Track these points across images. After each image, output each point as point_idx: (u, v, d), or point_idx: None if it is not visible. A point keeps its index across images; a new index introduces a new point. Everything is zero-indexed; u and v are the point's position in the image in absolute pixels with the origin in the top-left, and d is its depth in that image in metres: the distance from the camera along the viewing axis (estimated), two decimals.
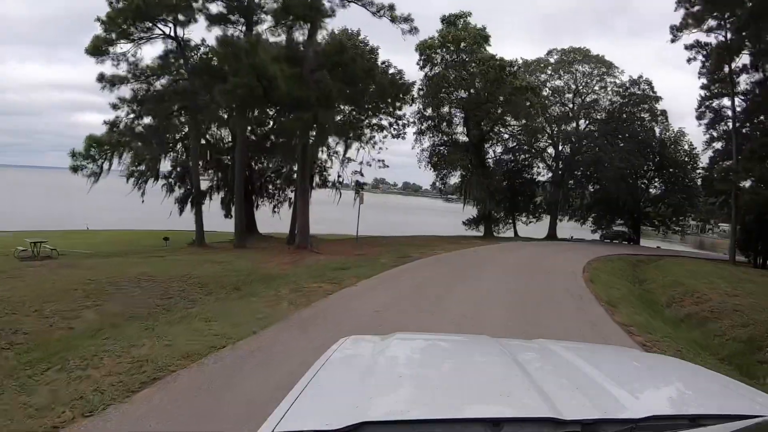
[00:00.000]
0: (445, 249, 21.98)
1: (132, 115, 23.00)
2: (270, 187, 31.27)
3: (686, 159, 42.06)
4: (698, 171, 40.60)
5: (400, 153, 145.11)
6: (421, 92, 33.31)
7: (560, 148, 41.50)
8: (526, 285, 12.73)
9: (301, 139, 18.65)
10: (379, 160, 32.19)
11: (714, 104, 31.76)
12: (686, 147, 42.35)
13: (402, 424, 1.11)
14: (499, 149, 42.29)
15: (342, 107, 24.47)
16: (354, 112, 26.56)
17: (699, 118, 31.97)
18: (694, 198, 41.91)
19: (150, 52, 52.60)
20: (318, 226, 28.31)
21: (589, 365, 1.57)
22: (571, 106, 41.97)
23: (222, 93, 18.32)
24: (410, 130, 34.21)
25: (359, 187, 30.95)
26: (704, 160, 40.35)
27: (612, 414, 1.16)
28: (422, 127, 34.04)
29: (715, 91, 30.09)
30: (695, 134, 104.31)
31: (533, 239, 38.07)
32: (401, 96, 27.48)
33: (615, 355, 2.33)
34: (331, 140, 27.34)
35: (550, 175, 42.47)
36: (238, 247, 22.52)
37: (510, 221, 42.71)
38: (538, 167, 43.35)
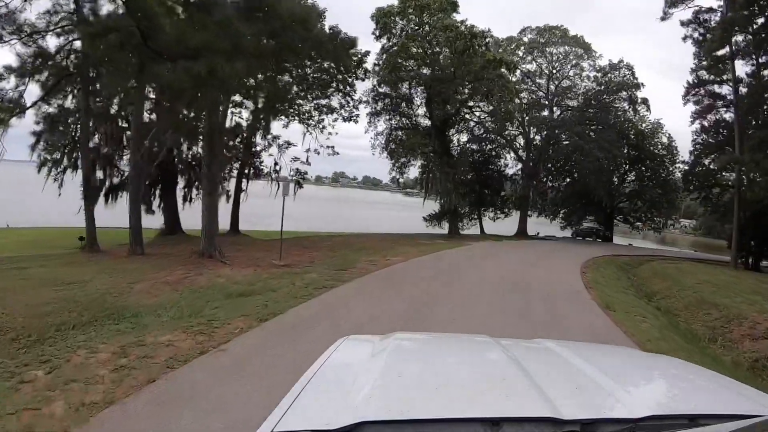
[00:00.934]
0: (402, 254, 17.29)
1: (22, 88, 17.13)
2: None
3: (664, 152, 39.06)
4: (678, 165, 37.68)
5: (361, 147, 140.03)
6: (377, 67, 28.36)
7: (531, 136, 37.41)
8: (526, 323, 8.10)
9: (199, 105, 13.25)
10: (328, 147, 27.24)
11: (705, 90, 28.43)
12: (664, 139, 39.38)
13: (401, 424, 1.10)
14: (464, 137, 38.09)
15: (278, 77, 19.34)
16: (291, 78, 21.36)
17: (697, 108, 28.37)
18: (671, 193, 39.03)
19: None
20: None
21: (588, 365, 1.58)
22: (544, 92, 38.10)
23: (88, 38, 12.80)
24: (365, 111, 29.30)
25: (299, 177, 25.96)
26: (683, 153, 37.87)
27: (611, 413, 1.17)
28: (377, 107, 29.09)
29: (711, 77, 26.56)
30: (673, 127, 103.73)
31: (502, 237, 34.09)
32: (350, 63, 22.53)
33: (614, 354, 2.32)
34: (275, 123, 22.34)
35: (519, 166, 38.53)
36: (134, 253, 16.94)
37: (475, 217, 38.56)
38: (506, 159, 39.36)
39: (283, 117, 25.02)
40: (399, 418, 1.12)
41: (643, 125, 38.80)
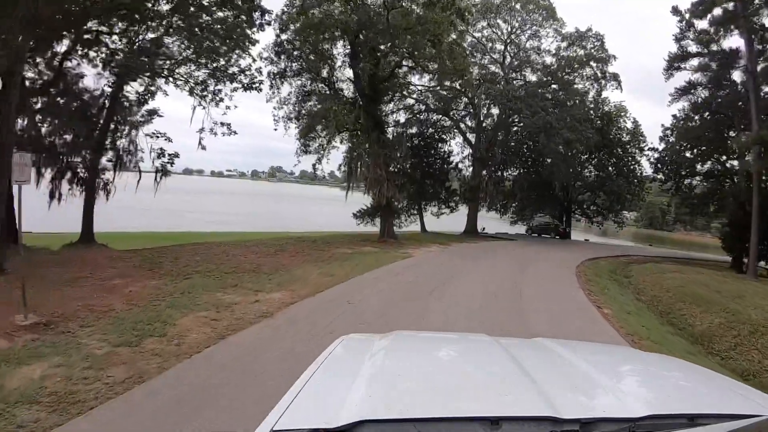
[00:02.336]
0: (293, 283, 10.33)
1: None
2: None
3: (628, 138, 34.13)
4: (646, 152, 32.80)
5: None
6: (284, 15, 20.60)
7: (485, 111, 30.89)
8: None
9: None
10: (223, 124, 19.29)
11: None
12: (629, 124, 34.37)
13: (401, 423, 1.10)
14: (402, 117, 31.10)
15: None
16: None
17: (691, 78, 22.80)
18: (637, 184, 34.31)
19: None
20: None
21: (588, 364, 1.58)
22: (499, 62, 31.76)
23: None
24: (269, 71, 21.35)
25: (164, 165, 18.08)
26: (652, 138, 33.36)
27: (610, 413, 1.16)
28: (281, 66, 21.19)
29: (714, 32, 21.02)
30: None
31: (449, 235, 27.61)
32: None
33: (614, 354, 2.33)
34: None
35: (467, 153, 32.07)
36: None
37: (415, 212, 31.84)
38: (451, 145, 32.84)
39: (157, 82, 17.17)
40: (398, 417, 1.11)
41: (607, 107, 33.61)
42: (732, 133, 26.70)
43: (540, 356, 1.80)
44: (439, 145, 32.58)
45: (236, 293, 9.12)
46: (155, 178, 18.52)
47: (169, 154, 18.35)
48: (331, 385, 1.42)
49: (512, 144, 33.85)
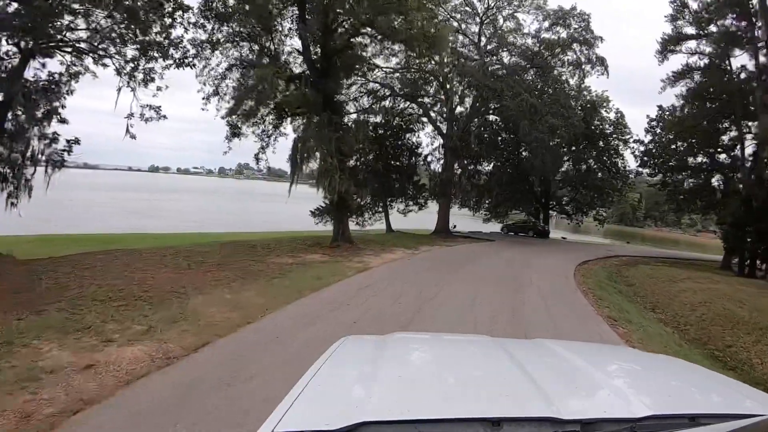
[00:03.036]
0: (167, 331, 6.63)
1: None
2: None
3: (612, 130, 31.54)
4: (631, 144, 30.24)
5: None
6: None
7: (456, 100, 27.53)
8: None
9: None
10: (152, 108, 15.53)
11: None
12: (611, 115, 31.73)
13: (402, 424, 1.10)
14: (366, 104, 27.46)
15: None
16: None
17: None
18: (621, 178, 31.80)
19: None
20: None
21: (588, 365, 1.58)
22: (474, 42, 28.44)
23: None
24: (199, 40, 17.30)
25: (55, 156, 14.16)
26: (636, 129, 31.04)
27: (611, 413, 1.15)
28: (211, 31, 17.05)
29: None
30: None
31: (418, 234, 24.21)
32: None
33: (614, 354, 2.31)
34: None
35: (439, 143, 28.71)
36: None
37: (380, 209, 28.35)
38: (420, 136, 29.53)
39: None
40: (399, 418, 1.11)
41: (590, 96, 30.90)
42: (727, 124, 24.35)
43: (541, 357, 1.77)
44: (407, 135, 29.16)
45: (76, 345, 5.69)
46: (45, 171, 14.42)
47: (68, 141, 14.23)
48: (331, 387, 1.39)
49: (487, 135, 30.75)
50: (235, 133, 17.39)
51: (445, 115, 27.39)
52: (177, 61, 16.05)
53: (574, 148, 30.84)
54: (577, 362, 1.61)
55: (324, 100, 16.79)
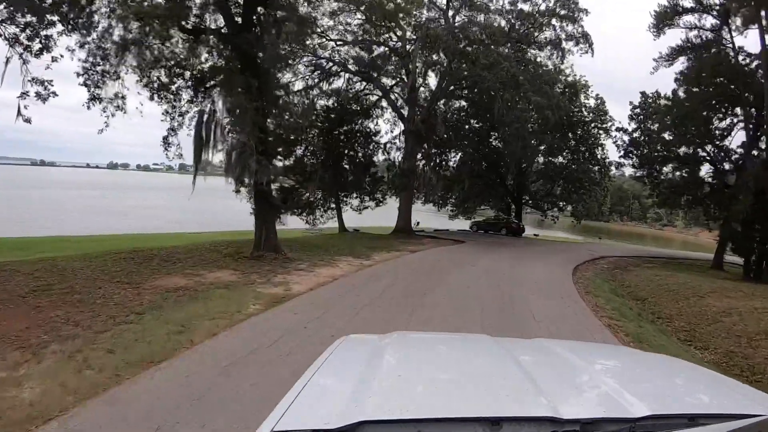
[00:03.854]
0: None
1: None
2: None
3: (592, 117, 28.33)
4: (614, 133, 27.08)
5: None
6: None
7: (420, 72, 23.41)
8: None
9: None
10: (42, 82, 10.85)
11: None
12: (591, 102, 28.52)
13: (401, 424, 1.08)
14: (314, 80, 23.13)
15: None
16: None
17: None
18: (604, 170, 28.70)
19: None
20: None
21: (588, 364, 1.60)
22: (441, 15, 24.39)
23: None
24: None
25: None
26: (618, 114, 28.02)
27: (611, 413, 1.14)
28: None
29: None
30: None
31: (375, 234, 20.24)
32: None
33: (614, 354, 2.31)
34: None
35: (400, 130, 24.64)
36: None
37: (332, 205, 24.20)
38: (378, 123, 25.39)
39: None
40: (399, 418, 1.10)
41: (569, 78, 27.55)
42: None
43: (540, 357, 1.78)
44: (363, 121, 24.99)
45: None
46: None
47: None
48: (331, 386, 1.41)
49: (454, 121, 26.91)
50: (95, 97, 12.44)
51: (406, 97, 23.26)
52: (70, 23, 11.39)
53: (551, 134, 27.44)
54: (577, 362, 1.61)
55: (243, 60, 12.36)
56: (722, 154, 23.54)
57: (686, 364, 1.96)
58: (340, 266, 11.89)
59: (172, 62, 12.20)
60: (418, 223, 30.80)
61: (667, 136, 23.60)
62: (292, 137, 12.83)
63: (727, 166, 23.52)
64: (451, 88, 24.57)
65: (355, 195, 25.19)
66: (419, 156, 24.30)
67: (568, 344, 2.06)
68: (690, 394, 1.52)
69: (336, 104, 24.11)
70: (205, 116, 12.16)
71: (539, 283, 11.58)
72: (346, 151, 24.35)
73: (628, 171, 28.52)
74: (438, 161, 23.75)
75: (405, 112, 24.21)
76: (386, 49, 23.13)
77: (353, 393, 1.24)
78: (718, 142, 23.46)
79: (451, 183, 28.29)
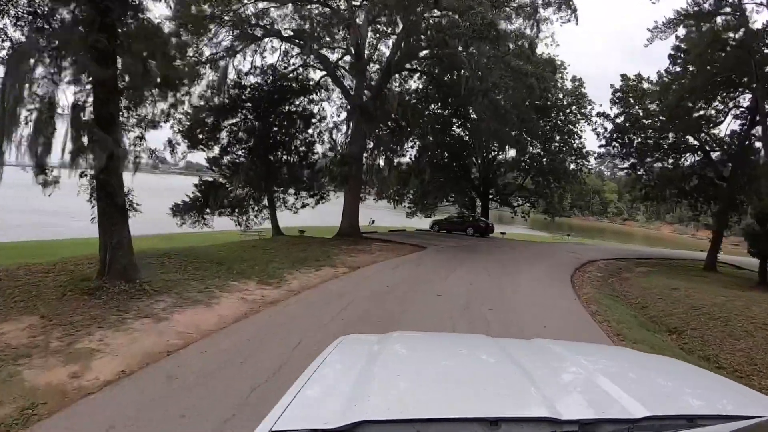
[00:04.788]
0: None
1: None
2: None
3: (570, 102, 24.82)
4: (596, 118, 23.64)
5: None
6: None
7: (369, 44, 19.00)
8: None
9: None
10: None
11: None
12: (567, 84, 25.02)
13: (400, 423, 1.08)
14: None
15: None
16: None
17: None
18: (580, 159, 25.27)
19: None
20: None
21: (587, 365, 1.57)
22: None
23: None
24: None
25: None
26: (599, 97, 24.77)
27: (610, 414, 1.14)
28: None
29: None
30: None
31: (317, 236, 16.95)
32: None
33: (613, 355, 2.28)
34: None
35: (346, 107, 20.13)
36: None
37: (263, 203, 19.58)
38: (324, 110, 20.81)
39: None
40: (398, 418, 1.10)
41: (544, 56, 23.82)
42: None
43: (539, 357, 1.75)
44: (303, 102, 20.42)
45: None
46: None
47: None
48: (330, 385, 1.39)
49: (412, 105, 22.66)
50: None
51: (351, 65, 18.72)
52: None
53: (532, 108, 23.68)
54: (576, 362, 1.60)
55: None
56: (715, 142, 20.57)
57: (685, 365, 1.96)
58: (224, 303, 7.32)
59: None
60: (373, 221, 27.21)
61: (657, 120, 20.36)
62: (167, 97, 8.13)
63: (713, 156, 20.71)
64: (408, 67, 20.40)
65: (291, 191, 20.63)
66: (370, 143, 19.92)
67: (567, 344, 2.02)
68: (689, 395, 1.50)
69: (270, 82, 19.53)
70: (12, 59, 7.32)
71: (543, 317, 7.52)
72: (280, 137, 19.81)
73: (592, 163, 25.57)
74: (392, 148, 19.38)
75: (350, 82, 19.75)
76: (327, 9, 18.60)
77: (352, 392, 1.23)
78: (711, 129, 20.56)
79: (407, 175, 24.10)
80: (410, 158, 24.70)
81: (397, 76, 21.54)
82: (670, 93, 18.70)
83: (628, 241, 54.84)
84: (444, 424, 1.09)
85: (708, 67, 16.79)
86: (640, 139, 21.31)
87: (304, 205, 21.26)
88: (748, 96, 18.70)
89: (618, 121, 22.00)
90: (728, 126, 20.46)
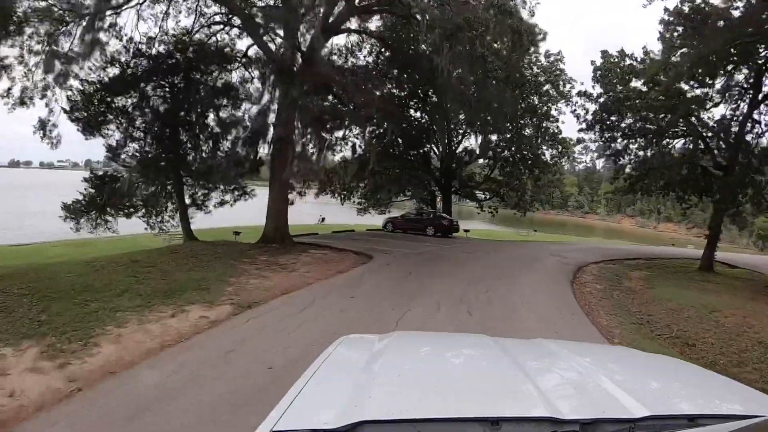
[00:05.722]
0: None
1: None
2: None
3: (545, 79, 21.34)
4: (576, 98, 20.23)
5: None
6: None
7: None
8: None
9: None
10: None
11: None
12: (542, 60, 21.57)
13: (401, 423, 1.07)
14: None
15: None
16: None
17: None
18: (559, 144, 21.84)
19: None
20: None
21: (587, 364, 1.55)
22: None
23: None
24: None
25: None
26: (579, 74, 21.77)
27: (610, 413, 1.13)
28: None
29: None
30: None
31: (237, 242, 12.89)
32: None
33: (614, 354, 2.26)
34: None
35: (268, 71, 15.53)
36: None
37: (172, 203, 15.29)
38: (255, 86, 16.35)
39: None
40: (398, 418, 1.08)
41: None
42: None
43: (540, 357, 1.74)
44: (221, 73, 15.97)
45: None
46: None
47: None
48: (331, 386, 1.38)
49: (359, 74, 18.40)
50: None
51: (271, 15, 14.17)
52: None
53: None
54: (577, 362, 1.56)
55: None
56: (713, 126, 17.60)
57: (686, 365, 1.94)
58: None
59: None
60: (323, 219, 24.88)
61: (649, 101, 17.10)
62: None
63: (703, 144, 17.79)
64: (353, 28, 16.19)
65: (201, 183, 16.23)
66: (299, 125, 15.51)
67: (568, 344, 1.99)
68: (690, 395, 1.47)
69: (181, 48, 15.09)
70: None
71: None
72: (191, 119, 15.38)
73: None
74: (323, 125, 14.98)
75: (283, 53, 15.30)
76: None
77: (353, 393, 1.22)
78: (708, 109, 17.61)
79: (355, 166, 19.87)
80: (359, 146, 20.63)
81: (342, 44, 17.38)
82: (668, 67, 15.52)
83: (590, 234, 53.31)
84: (444, 424, 1.08)
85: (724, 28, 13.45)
86: (631, 120, 18.09)
87: (222, 203, 16.83)
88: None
89: (601, 100, 18.69)
90: (729, 106, 17.49)
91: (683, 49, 15.57)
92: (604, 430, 1.08)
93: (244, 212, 17.98)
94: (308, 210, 32.57)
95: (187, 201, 16.01)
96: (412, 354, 1.81)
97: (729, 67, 15.76)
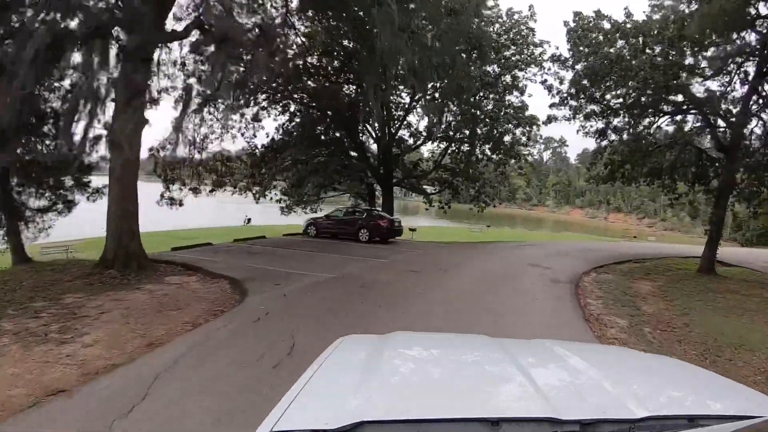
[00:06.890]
0: None
1: None
2: None
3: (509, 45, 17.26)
4: (547, 64, 16.56)
5: None
6: None
7: None
8: None
9: None
10: None
11: None
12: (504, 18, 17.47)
13: (401, 424, 1.06)
14: None
15: None
16: None
17: None
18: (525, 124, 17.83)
19: None
20: None
21: (588, 365, 1.53)
22: None
23: None
24: None
25: None
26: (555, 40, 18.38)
27: (610, 414, 1.12)
28: None
29: None
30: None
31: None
32: None
33: (614, 355, 2.27)
34: None
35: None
36: None
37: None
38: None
39: None
40: (399, 418, 1.07)
41: None
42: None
43: (540, 357, 1.70)
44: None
45: None
46: None
47: None
48: (331, 386, 1.35)
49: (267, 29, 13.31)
50: None
51: None
52: None
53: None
54: (577, 362, 1.53)
55: None
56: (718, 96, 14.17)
57: (686, 365, 1.94)
58: None
59: None
60: (248, 221, 22.82)
61: (642, 68, 13.34)
62: None
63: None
64: None
65: (43, 188, 10.86)
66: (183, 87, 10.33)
67: (568, 345, 1.90)
68: (690, 395, 1.47)
69: None
70: None
71: None
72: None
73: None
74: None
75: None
76: None
77: (353, 393, 1.20)
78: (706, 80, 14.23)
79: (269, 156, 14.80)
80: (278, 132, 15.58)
81: None
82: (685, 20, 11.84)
83: (539, 227, 51.25)
84: (445, 425, 1.07)
85: None
86: (618, 91, 14.39)
87: (55, 209, 11.37)
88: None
89: (580, 66, 14.82)
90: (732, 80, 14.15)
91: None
92: (604, 430, 1.06)
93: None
94: (233, 210, 27.21)
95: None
96: (413, 354, 1.76)
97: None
